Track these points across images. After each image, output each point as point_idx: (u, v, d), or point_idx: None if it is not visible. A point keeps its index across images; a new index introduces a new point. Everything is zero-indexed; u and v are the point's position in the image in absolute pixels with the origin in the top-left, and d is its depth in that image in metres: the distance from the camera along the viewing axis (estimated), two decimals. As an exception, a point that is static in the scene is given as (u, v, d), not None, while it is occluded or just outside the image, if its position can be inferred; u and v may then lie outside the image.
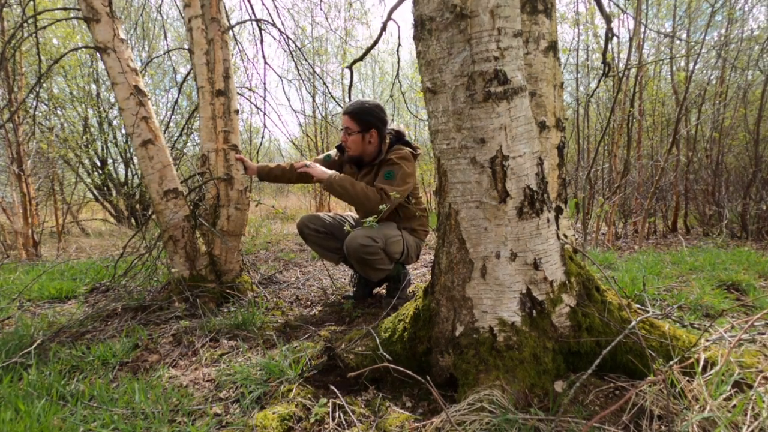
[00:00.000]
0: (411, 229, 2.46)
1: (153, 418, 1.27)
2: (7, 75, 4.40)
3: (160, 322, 2.22)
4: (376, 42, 2.10)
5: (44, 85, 6.13)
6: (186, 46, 3.08)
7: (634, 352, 1.30)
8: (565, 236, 1.57)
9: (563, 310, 1.35)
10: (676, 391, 1.11)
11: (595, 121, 6.76)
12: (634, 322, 1.24)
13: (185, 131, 6.93)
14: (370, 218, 2.12)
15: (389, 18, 1.91)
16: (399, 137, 2.46)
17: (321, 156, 2.68)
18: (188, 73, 3.22)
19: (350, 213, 2.70)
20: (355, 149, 2.38)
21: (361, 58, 2.24)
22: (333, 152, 2.62)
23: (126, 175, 7.92)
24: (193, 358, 1.81)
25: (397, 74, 2.81)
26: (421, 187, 9.78)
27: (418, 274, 3.36)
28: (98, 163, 7.75)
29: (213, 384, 1.55)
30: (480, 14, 1.17)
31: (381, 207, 2.15)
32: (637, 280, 2.56)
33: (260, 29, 3.29)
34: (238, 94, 2.90)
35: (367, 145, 2.38)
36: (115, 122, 7.56)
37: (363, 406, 1.34)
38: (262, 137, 4.27)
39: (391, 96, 3.92)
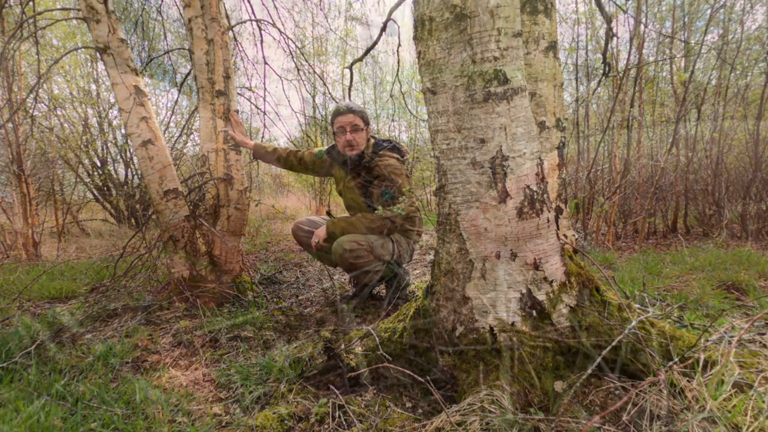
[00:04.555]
0: (401, 229, 2.47)
1: (153, 418, 1.27)
2: (7, 75, 4.40)
3: (160, 322, 2.22)
4: (376, 42, 2.10)
5: (44, 85, 6.13)
6: (186, 46, 3.08)
7: (634, 352, 1.30)
8: (565, 236, 1.57)
9: (563, 310, 1.35)
10: (676, 391, 1.11)
11: (595, 121, 6.75)
12: (634, 322, 1.24)
13: (185, 131, 6.92)
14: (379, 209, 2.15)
15: (389, 18, 1.91)
16: (376, 140, 2.48)
17: (315, 150, 2.68)
18: (188, 73, 3.22)
19: (346, 215, 2.70)
20: (360, 146, 2.39)
21: (361, 59, 2.24)
22: (324, 149, 2.63)
23: (126, 175, 7.91)
24: (193, 358, 1.81)
25: (397, 74, 2.81)
26: (420, 187, 9.76)
27: (418, 274, 3.36)
28: (98, 164, 7.74)
29: (213, 384, 1.55)
30: (480, 14, 1.17)
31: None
32: (637, 280, 2.56)
33: (260, 29, 3.29)
34: (238, 94, 2.90)
35: (365, 142, 2.41)
36: (115, 122, 7.55)
37: (363, 406, 1.34)
38: (262, 137, 4.27)
39: (391, 96, 3.92)
